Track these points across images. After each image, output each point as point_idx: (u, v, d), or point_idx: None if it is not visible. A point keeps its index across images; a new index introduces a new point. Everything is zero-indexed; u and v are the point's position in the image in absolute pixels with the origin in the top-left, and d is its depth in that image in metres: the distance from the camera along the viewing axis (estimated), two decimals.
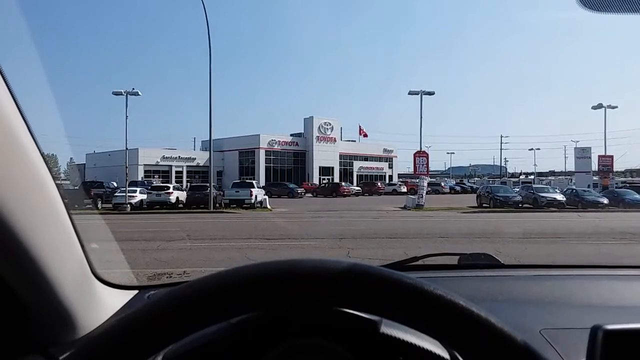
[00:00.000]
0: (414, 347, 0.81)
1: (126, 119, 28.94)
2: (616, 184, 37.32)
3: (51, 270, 0.87)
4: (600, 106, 38.77)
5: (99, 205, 26.68)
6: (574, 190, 30.77)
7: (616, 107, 39.90)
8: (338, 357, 0.77)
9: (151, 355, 0.57)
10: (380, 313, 0.59)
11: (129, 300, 1.29)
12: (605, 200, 28.33)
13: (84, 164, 59.28)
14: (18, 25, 1.26)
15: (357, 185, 53.47)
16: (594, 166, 37.96)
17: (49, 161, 0.90)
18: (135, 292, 1.36)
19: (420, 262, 1.64)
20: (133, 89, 28.96)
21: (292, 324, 0.79)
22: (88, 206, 23.60)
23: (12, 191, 0.75)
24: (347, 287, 0.57)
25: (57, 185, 0.92)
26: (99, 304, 1.12)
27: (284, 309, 0.77)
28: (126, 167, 28.86)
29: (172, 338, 0.57)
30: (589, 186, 33.69)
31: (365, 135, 70.42)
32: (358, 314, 0.79)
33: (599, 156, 38.23)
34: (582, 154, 38.67)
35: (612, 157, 38.57)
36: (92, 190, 28.76)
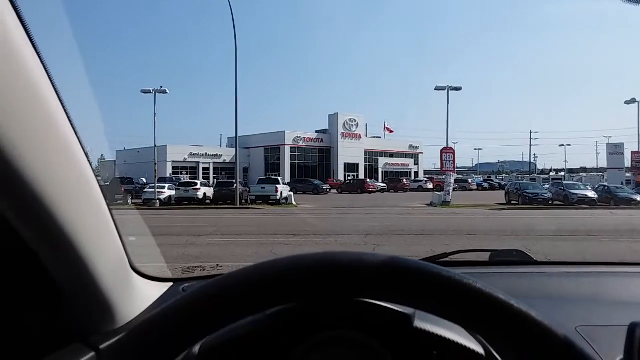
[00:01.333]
0: (448, 341, 0.81)
1: (154, 116, 29.39)
2: None
3: (91, 259, 0.89)
4: (633, 101, 37.58)
5: (130, 201, 27.21)
6: (606, 187, 29.94)
7: None
8: (371, 350, 0.78)
9: (190, 345, 0.58)
10: (416, 306, 0.59)
11: (165, 292, 1.32)
12: (639, 198, 27.50)
13: (115, 160, 60.51)
14: (62, 27, 1.30)
15: (383, 182, 53.15)
16: (627, 162, 36.88)
17: (89, 159, 0.93)
18: (170, 284, 1.39)
19: (449, 258, 1.63)
20: (161, 87, 29.45)
21: (327, 316, 0.79)
22: (119, 201, 24.12)
23: (59, 182, 0.78)
24: (383, 280, 0.57)
25: (97, 180, 0.95)
26: (136, 295, 1.14)
27: (319, 301, 0.78)
28: (155, 164, 29.33)
29: (210, 329, 0.58)
30: (621, 183, 32.73)
31: (391, 132, 69.90)
32: (392, 308, 0.79)
33: (632, 152, 37.12)
34: (615, 150, 37.60)
35: None
36: (122, 186, 29.38)
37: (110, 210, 1.01)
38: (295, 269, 0.58)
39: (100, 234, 0.96)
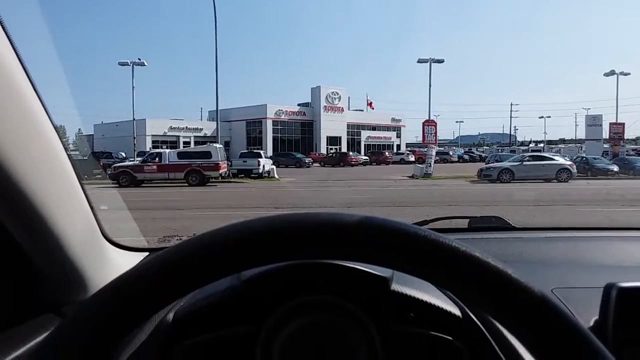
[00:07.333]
0: (425, 303, 0.81)
1: (132, 89, 28.83)
2: (627, 151, 36.87)
3: (58, 228, 0.87)
4: (612, 73, 38.07)
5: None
6: (584, 158, 30.48)
7: (629, 74, 39.27)
8: (348, 314, 0.77)
9: (160, 308, 0.55)
10: (392, 265, 0.57)
11: (140, 262, 1.30)
12: (616, 168, 28.06)
13: (92, 134, 59.43)
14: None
15: (365, 155, 53.32)
16: (605, 134, 37.47)
17: (58, 131, 0.90)
18: (146, 254, 1.37)
19: (429, 225, 1.64)
20: (139, 59, 28.80)
21: (302, 280, 0.78)
22: (98, 176, 23.75)
23: (24, 152, 0.75)
24: (360, 241, 0.54)
25: (68, 154, 0.92)
26: (110, 265, 1.12)
27: (294, 264, 0.76)
28: (134, 138, 28.94)
29: (181, 291, 0.55)
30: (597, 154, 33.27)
31: (372, 106, 69.66)
32: (369, 271, 0.78)
33: (610, 124, 37.66)
34: (593, 121, 38.08)
35: (623, 124, 37.97)
36: (101, 161, 28.95)
37: (80, 181, 0.98)
38: (268, 229, 0.55)
39: (68, 204, 0.93)
